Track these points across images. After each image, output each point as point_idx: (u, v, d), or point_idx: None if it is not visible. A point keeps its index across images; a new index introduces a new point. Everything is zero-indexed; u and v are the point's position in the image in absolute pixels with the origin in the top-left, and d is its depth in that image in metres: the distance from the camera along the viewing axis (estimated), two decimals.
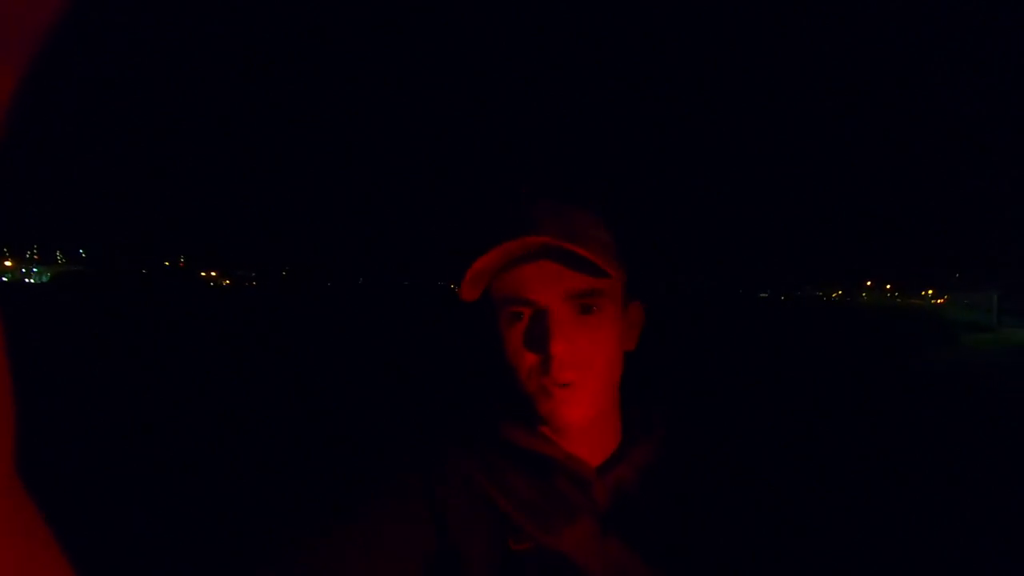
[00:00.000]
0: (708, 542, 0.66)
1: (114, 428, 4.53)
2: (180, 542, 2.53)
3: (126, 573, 2.33)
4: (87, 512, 2.86)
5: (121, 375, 6.81)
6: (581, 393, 0.63)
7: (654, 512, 0.66)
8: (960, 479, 3.61)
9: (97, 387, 6.13)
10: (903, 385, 7.79)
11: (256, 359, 8.52)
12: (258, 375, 7.10)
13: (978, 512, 3.10)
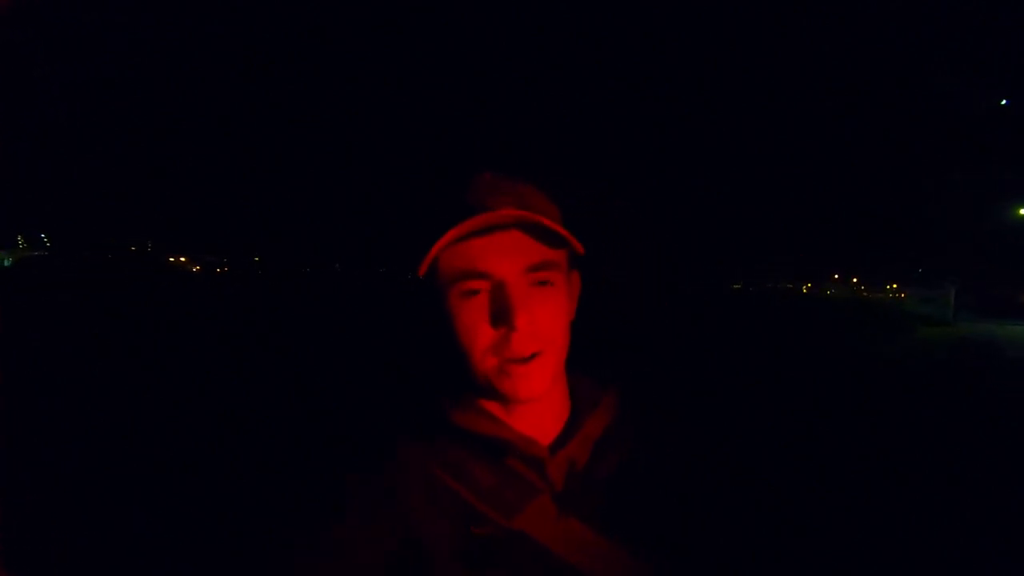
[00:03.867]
0: (663, 514, 0.67)
1: (87, 421, 4.51)
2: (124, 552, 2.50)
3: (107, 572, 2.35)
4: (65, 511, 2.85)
5: (97, 367, 6.74)
6: (542, 366, 0.62)
7: (608, 487, 0.66)
8: (907, 467, 3.84)
9: (73, 379, 6.04)
10: (856, 375, 8.13)
11: (221, 351, 8.32)
12: (223, 368, 6.90)
13: (924, 492, 3.30)
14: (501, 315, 0.60)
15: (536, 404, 0.65)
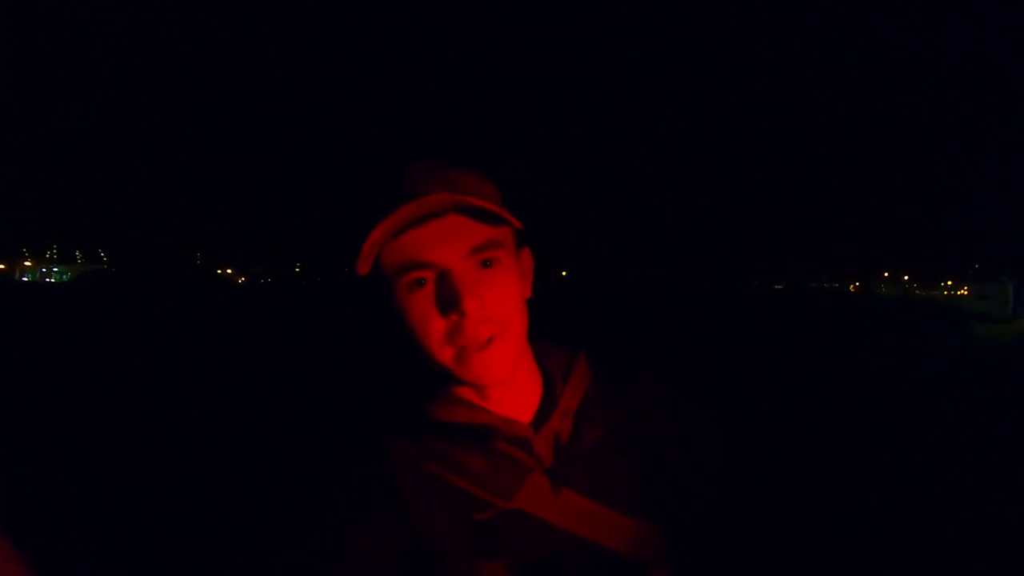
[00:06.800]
0: (653, 473, 0.68)
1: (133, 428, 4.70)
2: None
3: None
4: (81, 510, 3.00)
5: (146, 373, 7.02)
6: (502, 348, 0.63)
7: (595, 454, 0.68)
8: (958, 473, 3.68)
9: (119, 385, 6.28)
10: (909, 376, 7.81)
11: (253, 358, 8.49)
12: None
13: (976, 503, 3.17)
14: (449, 303, 0.60)
15: (508, 384, 0.66)
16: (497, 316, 0.63)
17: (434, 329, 0.62)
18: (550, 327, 0.75)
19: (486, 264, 0.63)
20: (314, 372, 7.08)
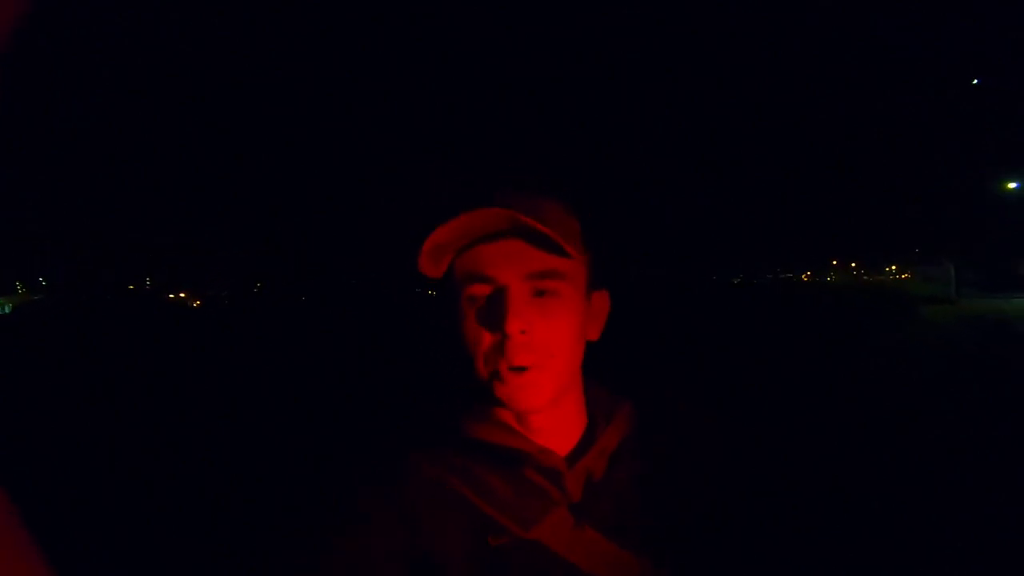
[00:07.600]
0: (678, 525, 0.66)
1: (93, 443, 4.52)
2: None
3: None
4: (72, 527, 2.91)
5: (99, 399, 6.72)
6: (538, 379, 0.61)
7: (625, 498, 0.66)
8: (912, 450, 3.80)
9: (77, 412, 6.05)
10: (859, 361, 8.07)
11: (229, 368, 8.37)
12: (238, 386, 6.97)
13: (930, 477, 3.26)
14: (494, 320, 0.60)
15: (551, 415, 0.65)
16: (539, 346, 0.61)
17: (480, 344, 0.62)
18: None
19: (539, 293, 0.62)
20: (319, 378, 7.08)
